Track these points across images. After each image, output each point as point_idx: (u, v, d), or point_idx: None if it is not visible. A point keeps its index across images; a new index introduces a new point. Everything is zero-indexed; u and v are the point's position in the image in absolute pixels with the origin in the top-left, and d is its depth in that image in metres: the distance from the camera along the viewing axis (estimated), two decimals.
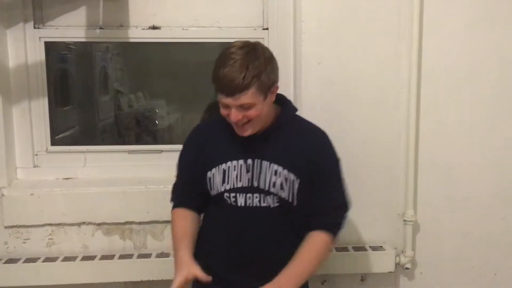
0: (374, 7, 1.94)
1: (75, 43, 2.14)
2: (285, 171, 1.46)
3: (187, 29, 2.06)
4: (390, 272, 2.05)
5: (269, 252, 1.50)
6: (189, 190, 1.57)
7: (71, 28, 2.03)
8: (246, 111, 1.38)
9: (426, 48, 1.98)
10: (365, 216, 2.06)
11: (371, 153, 2.02)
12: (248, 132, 1.43)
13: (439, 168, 2.07)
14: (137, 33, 2.05)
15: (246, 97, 1.35)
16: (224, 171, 1.48)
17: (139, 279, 1.96)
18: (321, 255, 1.48)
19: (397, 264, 2.07)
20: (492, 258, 2.15)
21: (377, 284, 2.14)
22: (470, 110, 2.05)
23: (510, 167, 2.09)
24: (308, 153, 1.49)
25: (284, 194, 1.47)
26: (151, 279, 1.96)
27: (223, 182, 1.48)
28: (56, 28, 2.03)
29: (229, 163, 1.48)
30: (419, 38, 1.95)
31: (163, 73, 2.25)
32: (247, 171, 1.47)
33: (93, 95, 2.25)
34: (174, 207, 1.60)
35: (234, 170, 1.48)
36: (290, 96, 2.04)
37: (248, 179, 1.47)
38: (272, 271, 1.42)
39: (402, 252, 2.09)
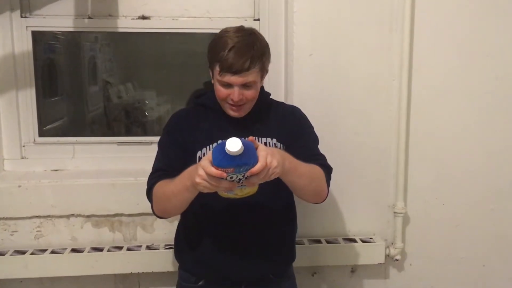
0: None
1: (63, 32, 2.10)
2: (274, 141, 1.52)
3: (177, 19, 2.04)
4: (380, 263, 2.06)
5: (266, 230, 1.54)
6: (170, 174, 1.45)
7: (59, 17, 2.00)
8: (246, 90, 1.44)
9: (417, 40, 1.98)
10: (355, 208, 2.07)
11: (362, 145, 2.02)
12: (242, 113, 1.49)
13: (430, 160, 2.08)
14: (126, 23, 2.02)
15: (252, 75, 1.41)
16: None
17: (128, 272, 1.95)
18: (317, 174, 1.45)
19: (387, 256, 2.08)
20: (481, 249, 2.17)
21: (367, 275, 2.15)
22: (461, 102, 2.05)
23: (499, 159, 2.11)
24: (290, 122, 1.58)
25: None
26: (141, 271, 1.95)
27: None
28: (44, 17, 2.00)
29: (219, 142, 1.46)
30: (410, 29, 1.95)
31: (153, 63, 2.22)
32: None
33: (81, 86, 2.21)
34: (152, 185, 1.48)
35: None
36: (281, 87, 2.05)
37: None
38: (269, 252, 1.55)
39: (392, 244, 2.10)
